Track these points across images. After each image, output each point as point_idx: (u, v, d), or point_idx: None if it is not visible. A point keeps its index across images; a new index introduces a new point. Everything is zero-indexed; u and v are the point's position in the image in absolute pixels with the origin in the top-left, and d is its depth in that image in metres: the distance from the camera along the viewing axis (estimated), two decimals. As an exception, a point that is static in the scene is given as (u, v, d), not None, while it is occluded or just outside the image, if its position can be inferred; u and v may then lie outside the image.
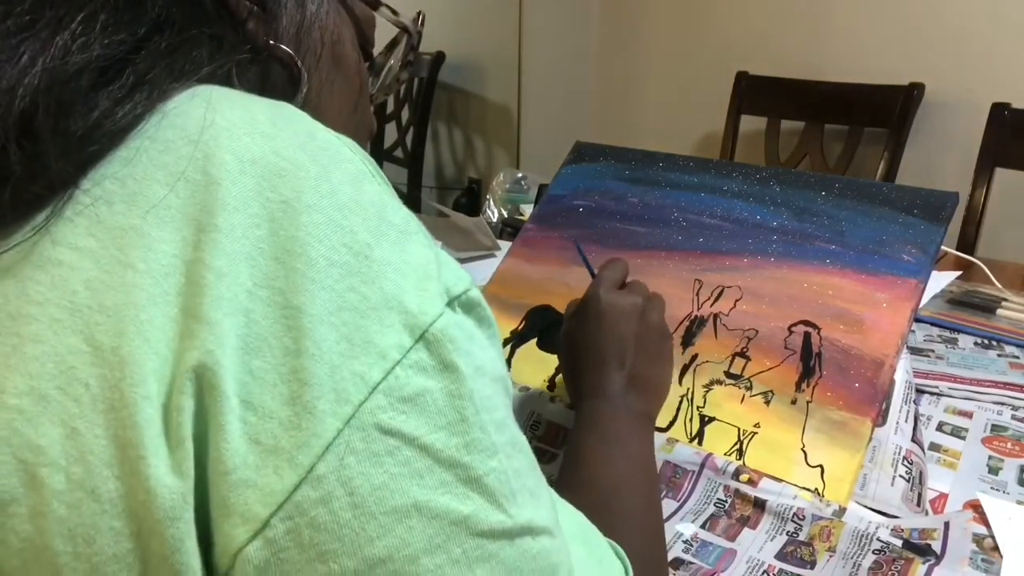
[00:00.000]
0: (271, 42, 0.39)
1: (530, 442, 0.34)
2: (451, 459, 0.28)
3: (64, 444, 0.26)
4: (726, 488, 0.61)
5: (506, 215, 1.39)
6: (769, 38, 1.95)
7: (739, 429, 0.66)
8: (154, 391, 0.26)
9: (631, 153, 0.90)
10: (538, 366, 0.76)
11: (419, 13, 0.54)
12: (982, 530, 0.55)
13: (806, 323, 0.69)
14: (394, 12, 0.50)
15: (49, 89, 0.29)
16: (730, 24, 2.03)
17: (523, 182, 1.46)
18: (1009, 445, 0.68)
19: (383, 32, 0.50)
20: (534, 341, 0.79)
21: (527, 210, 1.35)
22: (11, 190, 0.28)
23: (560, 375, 0.75)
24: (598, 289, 0.60)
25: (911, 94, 1.69)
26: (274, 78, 0.40)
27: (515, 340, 0.80)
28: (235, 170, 0.29)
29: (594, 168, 0.91)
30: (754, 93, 1.89)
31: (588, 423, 0.55)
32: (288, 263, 0.28)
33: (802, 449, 0.62)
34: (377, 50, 0.51)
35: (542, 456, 0.66)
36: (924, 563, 0.52)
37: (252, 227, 0.28)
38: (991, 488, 0.62)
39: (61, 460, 0.26)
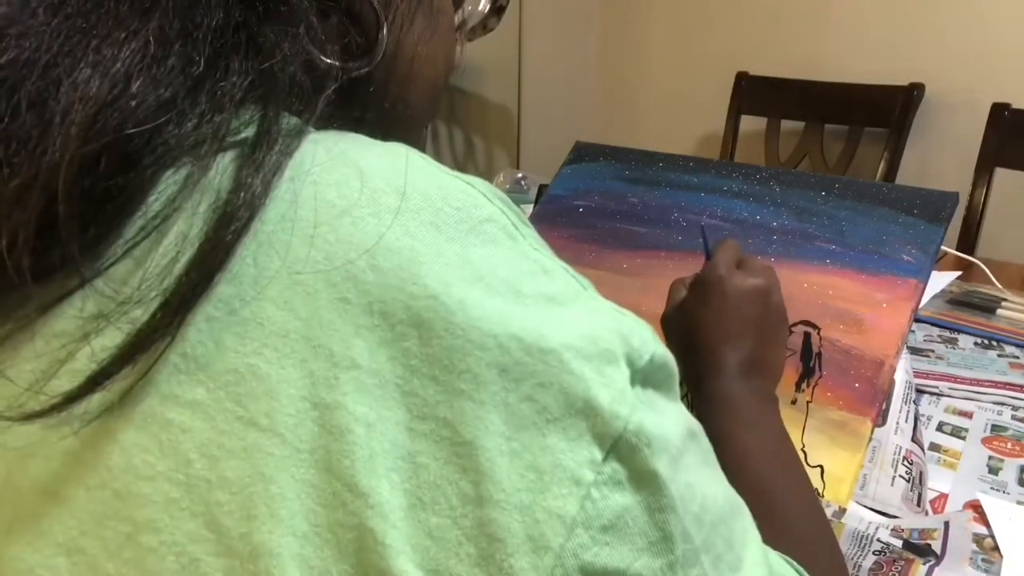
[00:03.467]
0: None
1: None
2: None
3: None
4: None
5: (506, 215, 1.39)
6: (769, 38, 1.95)
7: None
8: None
9: (631, 153, 0.90)
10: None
11: None
12: (982, 530, 0.55)
13: (806, 323, 0.69)
14: None
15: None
16: (730, 24, 2.03)
17: (523, 182, 1.46)
18: (1009, 445, 0.68)
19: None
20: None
21: (527, 210, 1.35)
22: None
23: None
24: (719, 269, 0.56)
25: (911, 94, 1.69)
26: (353, 32, 0.33)
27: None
28: (365, 269, 0.23)
29: (594, 168, 0.91)
30: (754, 93, 1.89)
31: (720, 406, 0.51)
32: (449, 384, 0.23)
33: (802, 449, 0.62)
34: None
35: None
36: (924, 564, 0.52)
37: (397, 341, 0.23)
38: (991, 488, 0.62)
39: None
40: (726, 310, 0.55)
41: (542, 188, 1.19)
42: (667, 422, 0.26)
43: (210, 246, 0.23)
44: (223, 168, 0.25)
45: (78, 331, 0.23)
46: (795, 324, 0.69)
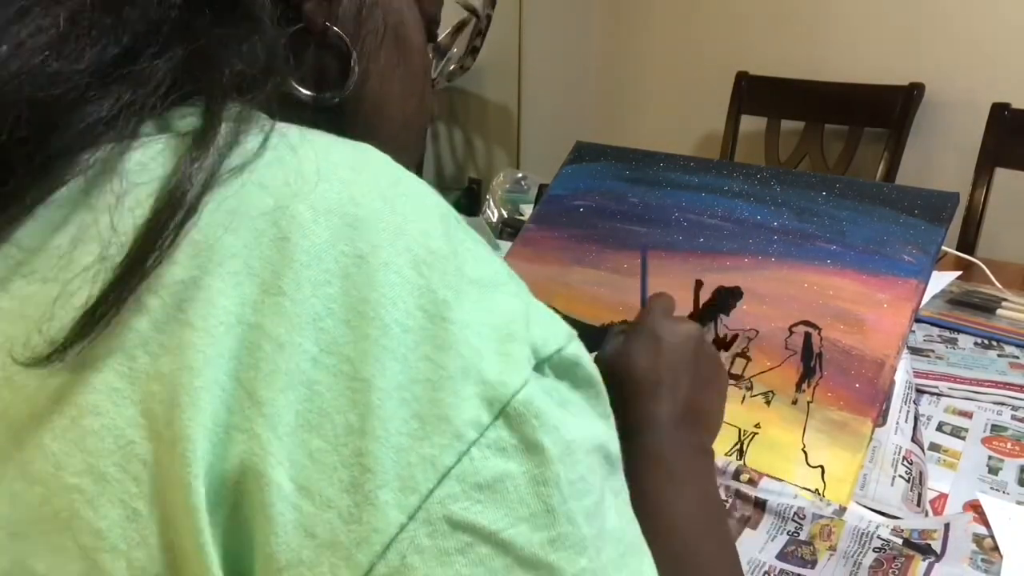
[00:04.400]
0: (327, 24, 0.34)
1: None
2: (534, 558, 0.25)
3: (124, 527, 0.24)
4: (726, 488, 0.61)
5: (506, 215, 1.39)
6: (769, 38, 1.95)
7: (740, 429, 0.66)
8: (203, 471, 0.24)
9: (631, 153, 0.90)
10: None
11: None
12: (982, 530, 0.55)
13: (807, 323, 0.69)
14: None
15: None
16: (730, 24, 2.03)
17: (523, 182, 1.46)
18: (1009, 445, 0.68)
19: (448, 15, 0.46)
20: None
21: (527, 210, 1.35)
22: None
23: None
24: (654, 314, 0.56)
25: (911, 94, 1.69)
26: (328, 69, 0.36)
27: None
28: (308, 221, 0.26)
29: (594, 168, 0.91)
30: (754, 93, 1.89)
31: (649, 460, 0.50)
32: (360, 328, 0.25)
33: (803, 449, 0.63)
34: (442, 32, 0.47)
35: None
36: (924, 560, 0.52)
37: (323, 284, 0.25)
38: (991, 488, 0.62)
39: (122, 545, 0.24)
40: (659, 357, 0.54)
41: (542, 188, 1.19)
42: (572, 417, 0.27)
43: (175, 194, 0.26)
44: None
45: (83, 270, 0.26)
46: (796, 324, 0.69)
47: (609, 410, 0.31)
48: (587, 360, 0.29)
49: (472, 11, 0.49)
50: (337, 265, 0.26)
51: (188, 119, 0.28)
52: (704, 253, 0.77)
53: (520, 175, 1.48)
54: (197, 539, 0.24)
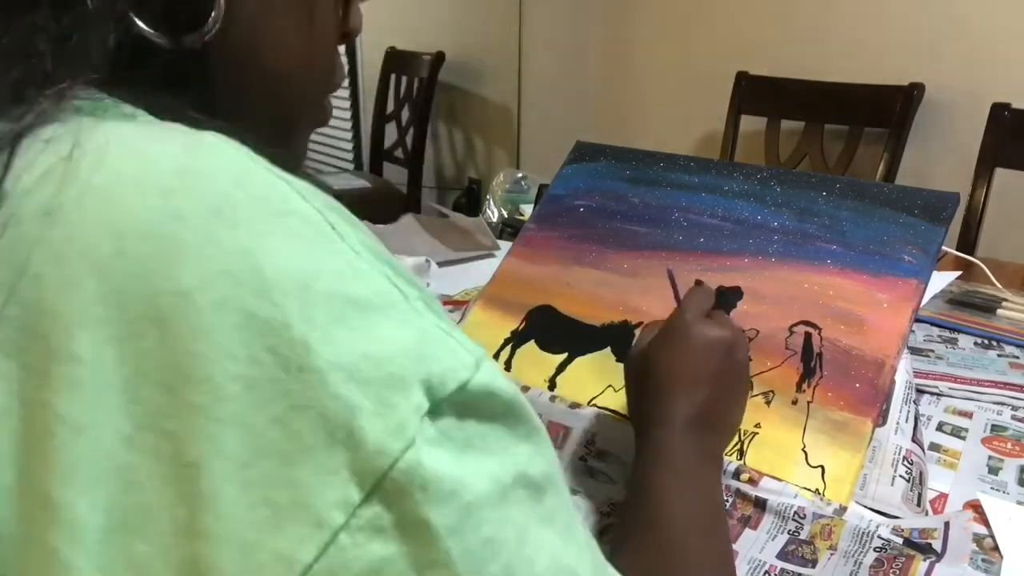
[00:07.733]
0: None
1: None
2: None
3: None
4: (727, 488, 0.61)
5: (506, 215, 1.39)
6: (769, 38, 1.95)
7: (740, 429, 0.66)
8: None
9: (632, 153, 0.90)
10: (538, 366, 0.76)
11: None
12: (982, 530, 0.55)
13: (807, 323, 0.69)
14: None
15: None
16: (730, 24, 2.03)
17: (523, 182, 1.47)
18: (1009, 445, 0.68)
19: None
20: (534, 341, 0.79)
21: (527, 210, 1.36)
22: None
23: (560, 374, 0.75)
24: (686, 315, 0.55)
25: (911, 94, 1.69)
26: (188, 9, 0.29)
27: (515, 340, 0.80)
28: (107, 255, 0.20)
29: (595, 168, 0.91)
30: (754, 93, 1.89)
31: (658, 455, 0.51)
32: (183, 395, 0.19)
33: (803, 449, 0.63)
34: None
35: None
36: (925, 560, 0.52)
37: (132, 339, 0.20)
38: (991, 488, 0.62)
39: None
40: (684, 357, 0.53)
41: (542, 188, 1.19)
42: (475, 464, 0.22)
43: None
44: None
45: None
46: (796, 324, 0.69)
47: (533, 425, 0.25)
48: (500, 383, 0.24)
49: None
50: (152, 310, 0.20)
51: None
52: (704, 253, 0.78)
53: (520, 175, 1.48)
54: None
